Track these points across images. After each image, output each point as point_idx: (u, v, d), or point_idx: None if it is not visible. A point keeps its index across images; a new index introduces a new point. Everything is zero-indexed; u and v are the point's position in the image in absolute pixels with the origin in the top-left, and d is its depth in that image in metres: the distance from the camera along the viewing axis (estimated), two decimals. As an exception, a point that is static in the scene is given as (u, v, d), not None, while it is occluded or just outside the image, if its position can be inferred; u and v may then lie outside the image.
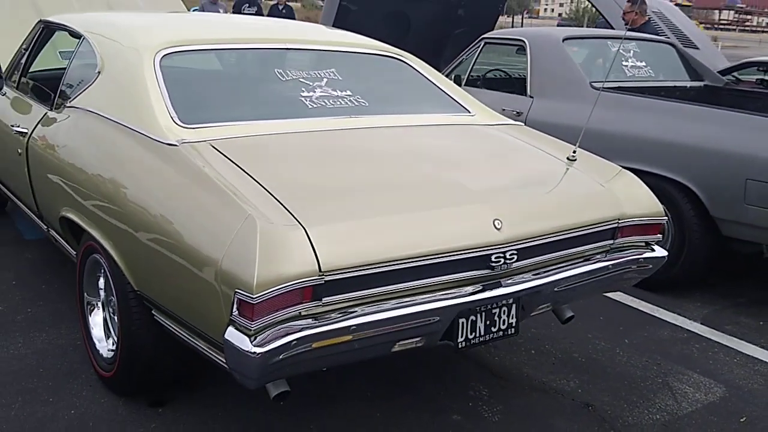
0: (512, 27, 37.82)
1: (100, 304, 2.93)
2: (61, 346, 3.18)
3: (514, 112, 4.88)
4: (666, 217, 2.94)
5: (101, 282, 2.87)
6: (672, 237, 4.08)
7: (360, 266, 2.12)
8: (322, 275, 2.04)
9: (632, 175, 2.98)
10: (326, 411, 2.80)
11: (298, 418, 2.74)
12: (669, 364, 3.33)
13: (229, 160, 2.40)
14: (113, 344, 2.81)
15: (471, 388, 3.03)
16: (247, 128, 2.70)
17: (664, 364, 3.33)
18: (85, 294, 2.96)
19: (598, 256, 2.74)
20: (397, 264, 2.19)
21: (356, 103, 3.05)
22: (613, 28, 7.34)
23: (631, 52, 5.24)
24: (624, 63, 5.17)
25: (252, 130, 2.70)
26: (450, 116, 3.30)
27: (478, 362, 3.26)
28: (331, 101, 3.00)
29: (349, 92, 3.09)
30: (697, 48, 7.08)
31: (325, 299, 2.09)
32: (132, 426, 2.64)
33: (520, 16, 48.90)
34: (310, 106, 2.94)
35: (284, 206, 2.14)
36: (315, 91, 3.03)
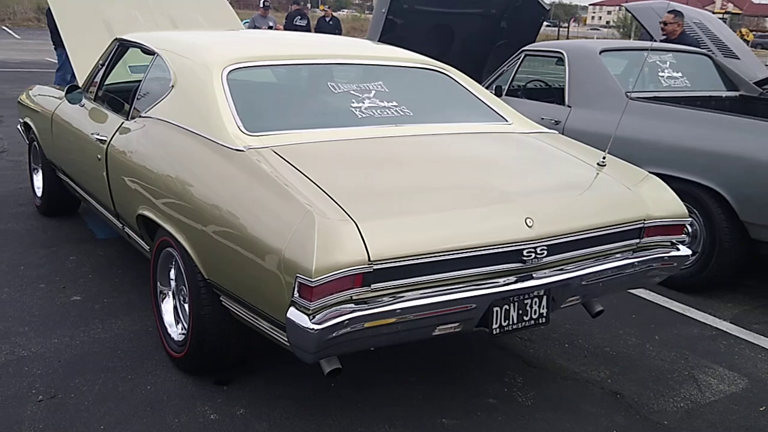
0: (558, 36, 37.69)
1: (171, 293, 3.26)
2: (135, 332, 3.54)
3: (552, 121, 5.11)
4: (689, 219, 3.14)
5: (173, 273, 3.21)
6: (703, 240, 4.26)
7: (405, 257, 2.40)
8: (371, 264, 2.32)
9: (658, 179, 3.20)
10: (372, 391, 3.08)
11: (347, 399, 3.02)
12: (696, 358, 3.53)
13: (290, 164, 2.71)
14: (182, 329, 3.15)
15: (506, 375, 3.28)
16: (304, 136, 3.02)
17: (691, 358, 3.53)
18: (158, 284, 3.30)
19: (625, 254, 2.97)
20: (438, 256, 2.46)
21: (402, 113, 3.34)
22: (654, 40, 7.49)
23: (667, 63, 5.43)
24: (660, 74, 5.36)
25: (308, 138, 3.01)
26: (488, 125, 3.56)
27: (514, 353, 3.50)
28: (378, 111, 3.30)
29: (395, 103, 3.39)
30: (738, 58, 7.18)
31: (374, 285, 2.37)
32: (200, 401, 2.96)
33: (566, 26, 48.59)
34: (359, 116, 3.24)
35: (338, 204, 2.43)
36: (364, 102, 3.33)
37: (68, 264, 4.41)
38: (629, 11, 7.46)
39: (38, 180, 5.35)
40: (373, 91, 3.43)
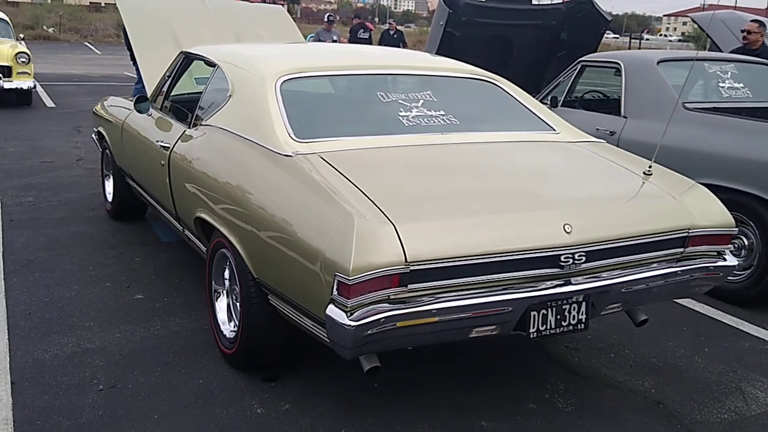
0: (630, 48, 36.95)
1: (224, 292, 3.42)
2: (191, 329, 3.72)
3: (608, 132, 5.09)
4: (736, 229, 3.10)
5: (226, 273, 3.37)
6: (759, 253, 4.17)
7: (441, 259, 2.47)
8: (408, 265, 2.41)
9: (704, 189, 3.17)
10: (413, 392, 3.16)
11: (388, 398, 3.11)
12: (745, 371, 3.47)
13: (335, 168, 2.84)
14: (234, 326, 3.30)
15: (549, 382, 3.30)
16: (351, 142, 3.14)
17: (740, 371, 3.47)
18: (213, 283, 3.47)
19: (668, 263, 2.96)
20: (475, 259, 2.53)
21: (448, 122, 3.42)
22: (721, 50, 7.34)
23: (729, 73, 5.33)
24: (721, 84, 5.27)
25: (355, 144, 3.13)
26: (535, 134, 3.60)
27: (558, 361, 3.52)
28: (425, 120, 3.39)
29: (442, 112, 3.47)
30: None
31: (411, 286, 2.46)
32: (249, 395, 3.10)
33: (638, 37, 47.63)
34: (406, 124, 3.34)
35: (378, 207, 2.53)
36: (411, 111, 3.43)
37: (133, 265, 4.65)
38: (695, 21, 7.33)
39: (109, 186, 5.65)
40: (422, 101, 3.52)
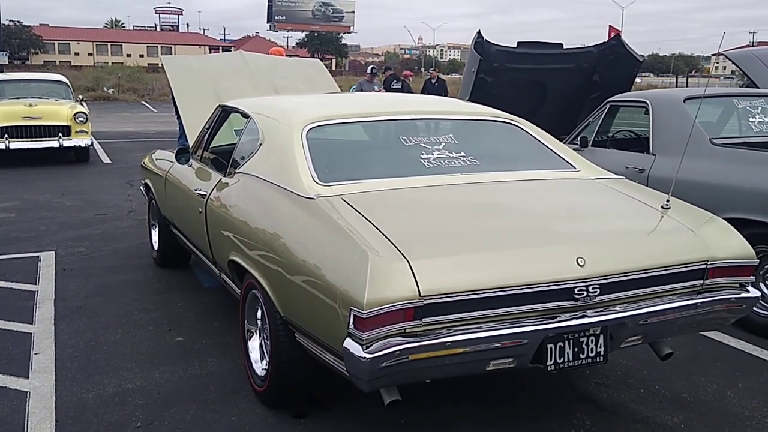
0: (676, 87, 36.59)
1: (257, 332, 3.56)
2: (227, 369, 3.85)
3: (637, 170, 5.13)
4: (756, 260, 3.11)
5: (258, 313, 3.51)
6: (795, 287, 4.12)
7: (455, 293, 2.56)
8: (422, 299, 2.51)
9: (723, 221, 3.19)
10: (441, 428, 3.21)
11: (415, 433, 3.17)
12: (779, 406, 3.41)
13: (355, 209, 2.97)
14: (266, 365, 3.42)
15: (575, 417, 3.31)
16: (373, 185, 3.28)
17: (774, 406, 3.42)
18: (246, 323, 3.61)
19: (687, 295, 2.98)
20: (488, 293, 2.61)
21: (469, 163, 3.54)
22: (757, 86, 7.31)
23: (759, 108, 5.32)
24: (751, 119, 5.27)
25: (376, 186, 3.27)
26: (555, 172, 3.68)
27: (586, 397, 3.53)
28: (446, 161, 3.52)
29: (463, 153, 3.59)
30: None
31: (426, 319, 2.54)
32: (279, 431, 3.20)
33: (685, 77, 47.14)
34: (427, 166, 3.46)
35: (394, 244, 2.64)
36: (433, 153, 3.56)
37: (176, 309, 4.84)
38: (729, 58, 7.34)
39: (155, 235, 5.92)
40: (443, 143, 3.65)
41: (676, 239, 3.05)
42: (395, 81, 14.12)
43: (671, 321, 2.96)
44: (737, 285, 3.07)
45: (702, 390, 3.61)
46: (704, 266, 2.98)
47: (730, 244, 3.08)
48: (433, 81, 14.65)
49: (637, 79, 10.36)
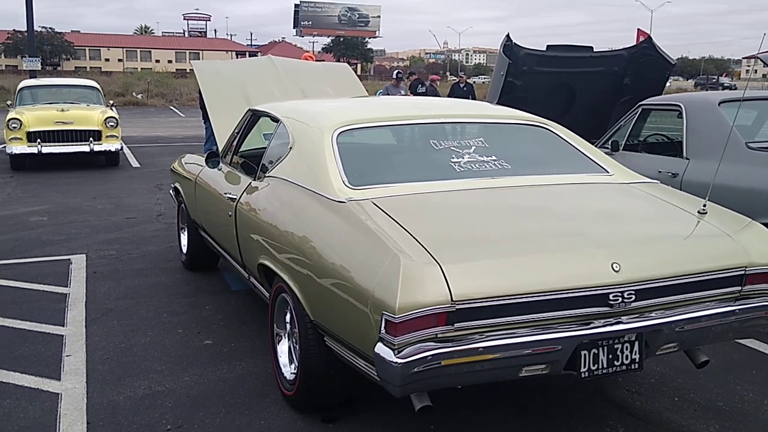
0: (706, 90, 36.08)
1: (286, 336, 3.55)
2: (256, 373, 3.85)
3: (670, 174, 5.04)
4: (797, 266, 3.02)
5: (288, 317, 3.50)
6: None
7: (488, 298, 2.53)
8: (454, 304, 2.48)
9: (762, 226, 3.12)
10: (470, 435, 3.18)
11: (445, 439, 3.14)
12: (819, 416, 3.32)
13: (386, 213, 2.95)
14: (295, 369, 3.41)
15: (608, 425, 3.25)
16: (403, 188, 3.26)
17: (813, 416, 3.33)
18: (275, 326, 3.61)
19: (725, 301, 2.91)
20: (522, 298, 2.57)
21: (499, 166, 3.50)
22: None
23: (796, 111, 5.22)
24: (789, 123, 5.16)
25: (407, 190, 3.25)
26: (587, 176, 3.62)
27: (618, 404, 3.46)
28: (476, 165, 3.48)
29: (494, 157, 3.56)
30: None
31: (458, 325, 2.52)
32: (307, 436, 3.19)
33: (714, 81, 46.49)
34: (458, 170, 3.44)
35: (425, 248, 2.62)
36: (464, 157, 3.53)
37: (204, 312, 4.86)
38: (762, 60, 7.19)
39: (184, 238, 5.95)
40: (473, 147, 3.62)
41: (713, 244, 2.99)
42: (420, 85, 14.15)
43: (708, 328, 2.90)
44: (776, 292, 3.00)
45: (738, 399, 3.53)
46: (743, 272, 2.91)
47: (770, 250, 3.00)
48: (462, 85, 14.60)
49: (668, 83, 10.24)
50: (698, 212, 3.18)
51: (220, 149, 5.17)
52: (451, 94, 14.32)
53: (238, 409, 3.45)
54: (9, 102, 13.67)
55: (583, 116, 7.73)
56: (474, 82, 14.11)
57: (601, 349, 2.72)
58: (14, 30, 69.75)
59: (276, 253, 3.43)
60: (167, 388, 3.67)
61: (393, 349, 2.45)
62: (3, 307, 4.89)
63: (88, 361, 4.00)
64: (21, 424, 3.27)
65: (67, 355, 4.07)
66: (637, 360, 2.79)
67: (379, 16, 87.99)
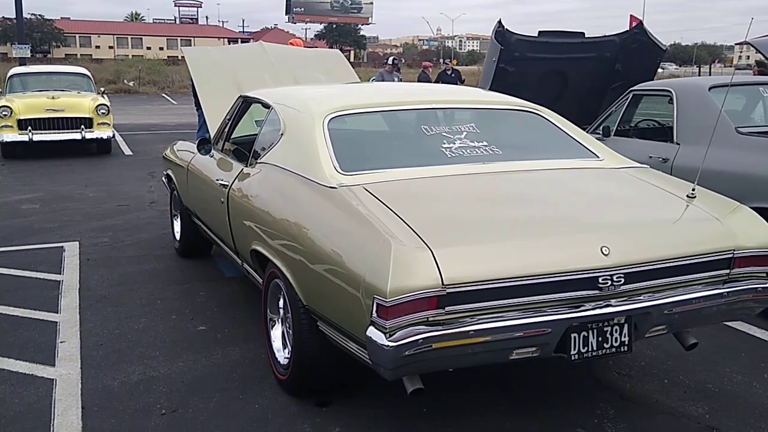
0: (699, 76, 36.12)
1: (279, 321, 3.57)
2: (250, 359, 3.88)
3: (660, 159, 5.07)
4: (784, 249, 3.06)
5: (281, 302, 3.52)
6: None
7: (478, 281, 2.56)
8: (445, 288, 2.50)
9: (750, 210, 3.15)
10: (462, 417, 3.21)
11: (437, 422, 3.17)
12: (805, 397, 3.37)
13: (377, 198, 2.97)
14: (288, 353, 3.43)
15: (599, 408, 3.29)
16: (394, 174, 3.27)
17: (800, 397, 3.38)
18: (268, 312, 3.63)
19: (713, 284, 2.95)
20: (512, 281, 2.60)
21: (490, 152, 3.52)
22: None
23: (786, 96, 5.24)
24: (778, 107, 5.19)
25: (398, 176, 3.26)
26: (578, 161, 3.65)
27: (609, 387, 3.51)
28: (468, 151, 3.50)
29: (485, 143, 3.58)
30: None
31: (449, 308, 2.54)
32: (300, 419, 3.21)
33: (708, 66, 46.60)
34: (449, 155, 3.45)
35: (416, 233, 2.64)
36: (455, 143, 3.54)
37: (198, 299, 4.88)
38: (753, 46, 7.21)
39: (177, 225, 5.96)
40: (465, 133, 3.64)
41: (702, 228, 3.02)
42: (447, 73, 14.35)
43: (697, 311, 2.93)
44: (764, 274, 3.04)
45: (727, 380, 3.58)
46: (731, 255, 2.95)
47: (758, 233, 3.04)
48: (449, 72, 14.62)
49: (659, 70, 10.27)
50: (687, 196, 3.20)
51: (212, 136, 5.17)
52: (439, 81, 14.39)
53: (232, 393, 3.47)
54: (-1, 89, 13.60)
55: (574, 102, 7.73)
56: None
57: (590, 331, 2.76)
58: (3, 17, 69.05)
59: (268, 239, 3.45)
60: (161, 373, 3.69)
61: (384, 333, 2.47)
62: (-4, 294, 4.90)
63: (83, 347, 4.01)
64: (16, 410, 3.29)
65: (61, 342, 4.08)
66: (626, 342, 2.83)
67: (371, 3, 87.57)
